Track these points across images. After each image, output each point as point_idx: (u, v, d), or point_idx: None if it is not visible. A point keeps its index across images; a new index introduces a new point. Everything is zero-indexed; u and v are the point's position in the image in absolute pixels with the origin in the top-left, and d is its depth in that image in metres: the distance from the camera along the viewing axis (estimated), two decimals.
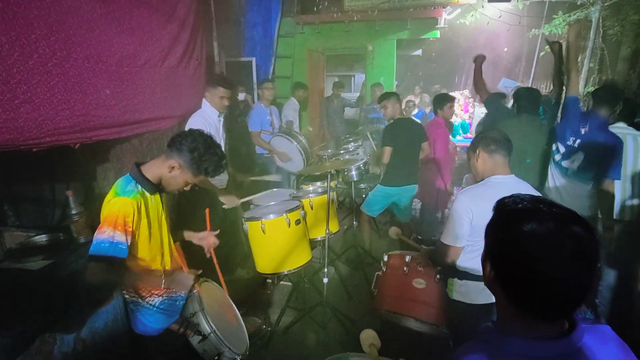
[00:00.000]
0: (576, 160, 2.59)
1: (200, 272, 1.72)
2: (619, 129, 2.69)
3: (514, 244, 0.71)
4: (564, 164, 2.66)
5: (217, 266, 1.99)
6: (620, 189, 2.62)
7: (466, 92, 8.94)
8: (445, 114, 3.78)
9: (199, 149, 1.52)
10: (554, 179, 2.74)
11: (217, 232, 1.92)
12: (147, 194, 1.55)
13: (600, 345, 0.74)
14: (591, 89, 5.50)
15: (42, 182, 2.24)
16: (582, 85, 5.53)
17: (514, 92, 3.30)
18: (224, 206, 2.68)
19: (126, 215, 1.42)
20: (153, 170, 1.57)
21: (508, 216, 0.74)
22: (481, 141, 1.78)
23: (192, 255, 1.98)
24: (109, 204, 1.45)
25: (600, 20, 5.37)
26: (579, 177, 2.61)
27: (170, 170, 1.55)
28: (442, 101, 3.77)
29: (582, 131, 2.57)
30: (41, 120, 1.66)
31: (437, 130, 3.72)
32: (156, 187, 1.59)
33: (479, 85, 3.31)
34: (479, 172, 1.80)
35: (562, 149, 2.67)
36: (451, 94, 5.31)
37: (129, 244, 1.44)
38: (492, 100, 3.27)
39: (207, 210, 1.94)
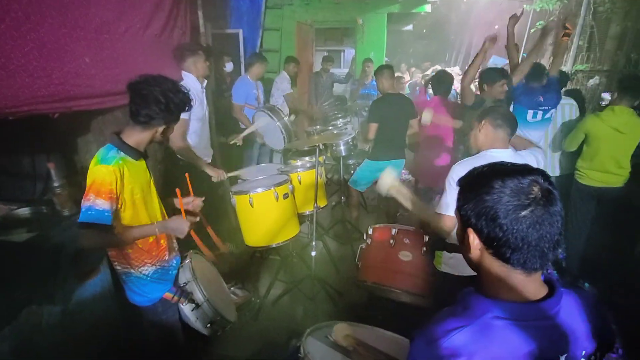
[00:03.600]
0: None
1: (198, 219, 1.71)
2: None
3: (488, 210, 0.73)
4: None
5: (209, 229, 2.01)
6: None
7: (456, 69, 8.89)
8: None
9: (163, 102, 1.50)
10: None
11: (203, 198, 1.90)
12: (131, 160, 1.54)
13: (575, 309, 0.78)
14: (579, 66, 5.52)
15: (21, 154, 2.17)
16: (570, 62, 5.54)
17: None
18: (212, 179, 2.66)
19: (110, 183, 1.42)
20: (135, 137, 1.55)
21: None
22: (490, 114, 1.78)
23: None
24: (92, 172, 1.45)
25: None
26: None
27: (159, 134, 1.59)
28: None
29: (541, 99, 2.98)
30: (17, 88, 1.58)
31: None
32: (140, 153, 1.58)
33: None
34: (478, 143, 1.81)
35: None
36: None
37: (113, 210, 1.44)
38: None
39: (186, 175, 1.91)
